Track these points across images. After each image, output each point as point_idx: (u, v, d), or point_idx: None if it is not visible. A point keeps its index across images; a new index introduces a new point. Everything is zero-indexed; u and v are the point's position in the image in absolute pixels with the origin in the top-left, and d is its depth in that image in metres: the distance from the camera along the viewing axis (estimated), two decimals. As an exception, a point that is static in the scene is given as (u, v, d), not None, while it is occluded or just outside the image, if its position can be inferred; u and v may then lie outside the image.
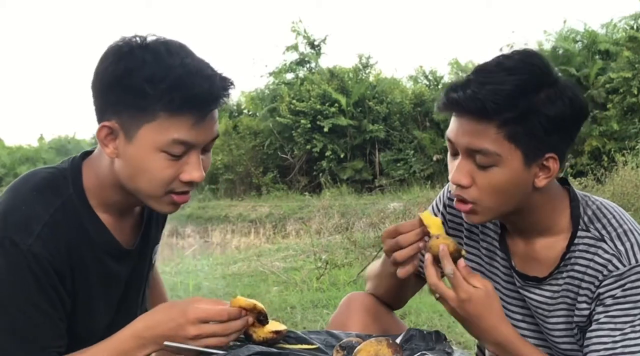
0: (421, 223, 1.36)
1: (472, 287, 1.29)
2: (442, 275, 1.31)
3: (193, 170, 1.27)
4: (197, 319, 1.24)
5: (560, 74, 1.31)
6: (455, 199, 1.35)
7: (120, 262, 1.40)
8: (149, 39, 1.26)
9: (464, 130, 1.27)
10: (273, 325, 1.38)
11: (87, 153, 1.39)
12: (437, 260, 1.31)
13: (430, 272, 1.31)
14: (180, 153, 1.25)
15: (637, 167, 9.77)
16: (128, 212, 1.41)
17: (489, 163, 1.26)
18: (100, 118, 1.28)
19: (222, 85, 1.26)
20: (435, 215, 1.60)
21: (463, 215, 1.37)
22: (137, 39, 1.26)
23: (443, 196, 1.60)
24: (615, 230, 1.32)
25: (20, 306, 1.24)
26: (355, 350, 1.28)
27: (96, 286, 1.36)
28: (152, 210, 1.42)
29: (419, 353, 1.28)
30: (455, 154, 1.33)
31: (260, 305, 1.33)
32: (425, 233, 1.35)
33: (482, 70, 1.27)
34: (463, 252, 1.33)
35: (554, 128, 1.25)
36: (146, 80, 1.20)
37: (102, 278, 1.37)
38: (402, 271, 1.39)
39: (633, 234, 1.31)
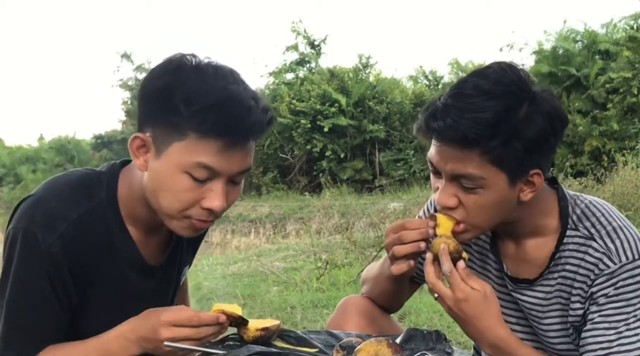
0: (430, 223, 1.36)
1: (470, 288, 1.29)
2: (442, 274, 1.32)
3: (214, 198, 1.25)
4: (168, 322, 1.25)
5: (535, 82, 1.29)
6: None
7: (143, 276, 1.39)
8: (202, 60, 1.25)
9: (447, 157, 1.27)
10: (260, 323, 1.38)
11: (128, 162, 1.39)
12: (438, 260, 1.31)
13: (429, 270, 1.31)
14: (204, 178, 1.23)
15: (637, 167, 9.76)
16: (155, 230, 1.39)
17: (474, 186, 1.27)
18: (138, 127, 1.28)
19: (261, 118, 1.23)
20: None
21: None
22: (190, 57, 1.25)
23: (434, 202, 1.59)
24: (604, 228, 1.32)
25: (30, 298, 1.27)
26: (355, 349, 1.28)
27: (110, 293, 1.36)
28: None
29: (419, 353, 1.28)
30: (438, 174, 1.33)
31: (229, 310, 1.31)
32: (430, 235, 1.35)
33: (460, 95, 1.26)
34: (464, 255, 1.33)
35: (535, 147, 1.25)
36: (182, 98, 1.20)
37: (118, 287, 1.36)
38: (395, 268, 1.39)
39: (622, 231, 1.31)
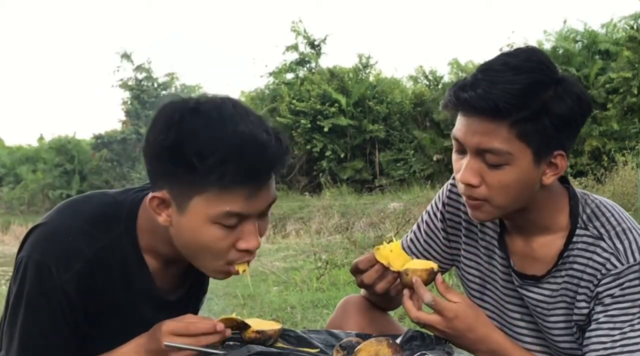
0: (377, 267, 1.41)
1: (454, 304, 1.32)
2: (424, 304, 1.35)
3: (249, 239, 1.24)
4: (168, 332, 1.25)
5: (561, 71, 1.31)
6: (464, 198, 1.35)
7: (158, 310, 1.36)
8: (202, 102, 1.20)
9: (474, 129, 1.26)
10: (260, 324, 1.37)
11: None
12: (413, 288, 1.35)
13: (409, 307, 1.33)
14: (234, 224, 1.21)
15: (637, 167, 9.77)
16: (174, 261, 1.36)
17: (499, 162, 1.26)
18: (152, 185, 1.24)
19: (278, 150, 1.20)
20: (435, 214, 1.60)
21: (468, 211, 1.37)
22: (188, 103, 1.20)
23: (442, 195, 1.60)
24: (613, 228, 1.32)
25: (43, 328, 1.26)
26: (355, 349, 1.28)
27: (122, 324, 1.34)
28: None
29: (418, 353, 1.28)
30: (461, 152, 1.32)
31: (239, 318, 1.33)
32: (383, 268, 1.40)
33: (489, 70, 1.26)
34: (436, 268, 1.36)
35: (563, 126, 1.26)
36: (195, 154, 1.15)
37: (131, 319, 1.34)
38: (394, 291, 1.43)
39: (632, 232, 1.31)
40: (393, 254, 1.40)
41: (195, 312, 1.52)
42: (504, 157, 1.25)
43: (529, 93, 1.22)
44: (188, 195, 1.19)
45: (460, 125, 1.29)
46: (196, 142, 1.15)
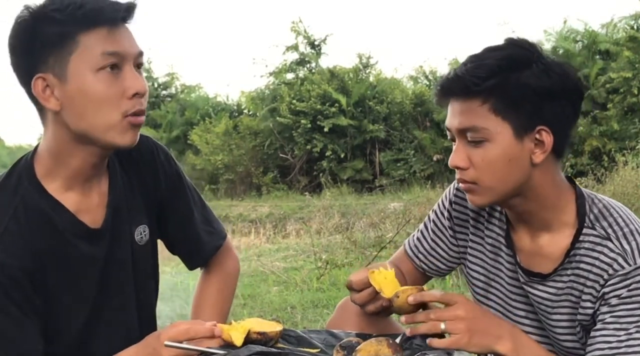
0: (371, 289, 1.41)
1: (462, 313, 1.31)
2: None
3: (133, 81, 1.28)
4: (167, 338, 1.27)
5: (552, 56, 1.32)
6: (459, 184, 1.38)
7: (92, 242, 1.37)
8: None
9: (453, 112, 1.31)
10: (261, 325, 1.37)
11: (36, 149, 1.39)
12: (418, 305, 1.35)
13: (432, 343, 1.29)
14: (114, 63, 1.26)
15: (638, 166, 9.75)
16: (91, 185, 1.38)
17: (479, 139, 1.29)
18: (29, 81, 1.28)
19: None
20: (442, 212, 1.61)
21: (467, 197, 1.39)
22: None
23: (449, 193, 1.61)
24: (621, 229, 1.32)
25: None
26: (356, 349, 1.28)
27: (74, 269, 1.35)
28: (120, 185, 1.42)
29: (418, 353, 1.28)
30: (453, 139, 1.36)
31: (251, 329, 1.34)
32: (375, 291, 1.40)
33: (470, 56, 1.31)
34: (425, 288, 1.37)
35: (541, 100, 1.27)
36: (55, 11, 1.23)
37: (77, 260, 1.35)
38: (382, 314, 1.48)
39: (639, 234, 1.31)
40: (386, 281, 1.40)
41: (137, 242, 1.49)
42: (482, 133, 1.28)
43: (497, 68, 1.26)
44: (65, 59, 1.24)
45: (447, 113, 1.34)
46: (52, 5, 1.24)
